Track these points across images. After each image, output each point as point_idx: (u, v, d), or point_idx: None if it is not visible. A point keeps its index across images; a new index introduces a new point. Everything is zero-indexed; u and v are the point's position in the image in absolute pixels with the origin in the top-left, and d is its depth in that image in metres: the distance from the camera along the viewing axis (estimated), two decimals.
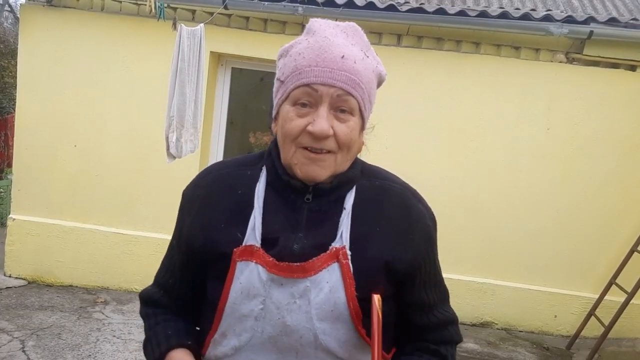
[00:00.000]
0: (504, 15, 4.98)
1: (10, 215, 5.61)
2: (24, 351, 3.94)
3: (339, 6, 5.00)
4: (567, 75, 5.17)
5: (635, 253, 4.94)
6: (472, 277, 5.35)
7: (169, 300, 1.21)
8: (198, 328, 1.20)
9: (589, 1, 5.86)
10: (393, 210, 1.11)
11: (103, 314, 4.81)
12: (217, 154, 5.58)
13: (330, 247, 1.05)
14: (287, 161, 1.08)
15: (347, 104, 1.03)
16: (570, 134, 5.19)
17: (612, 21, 5.01)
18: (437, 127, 5.28)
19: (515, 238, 5.28)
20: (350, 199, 1.10)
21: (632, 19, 5.06)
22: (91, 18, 5.37)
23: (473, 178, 5.29)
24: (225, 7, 5.05)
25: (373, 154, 4.83)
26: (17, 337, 4.15)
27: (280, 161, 1.10)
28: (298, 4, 5.00)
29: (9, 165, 7.95)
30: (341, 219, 1.08)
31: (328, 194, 1.09)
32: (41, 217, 5.53)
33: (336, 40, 1.04)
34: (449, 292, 1.23)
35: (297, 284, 1.04)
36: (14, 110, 6.28)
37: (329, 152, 1.05)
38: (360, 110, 1.06)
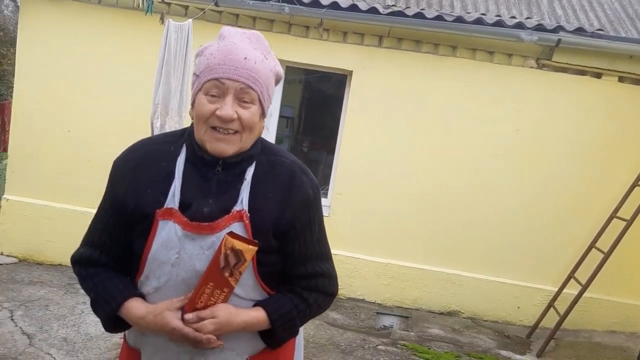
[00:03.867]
0: (479, 21, 5.28)
1: (4, 196, 5.87)
2: (12, 319, 4.20)
3: (323, 7, 5.28)
4: (537, 80, 5.49)
5: (594, 249, 5.24)
6: (440, 268, 5.65)
7: (106, 258, 1.43)
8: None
9: (563, 11, 6.18)
10: (282, 180, 1.40)
11: None
12: None
13: (233, 210, 1.33)
14: (199, 138, 1.35)
15: (249, 95, 1.31)
16: (537, 135, 5.50)
17: (579, 31, 5.32)
18: (412, 125, 5.58)
19: (482, 232, 5.59)
20: (250, 171, 1.38)
21: (598, 29, 5.38)
22: (88, 10, 5.63)
23: (442, 174, 5.60)
24: (216, 4, 5.33)
25: (352, 147, 5.21)
26: (6, 308, 4.42)
27: (196, 140, 1.37)
28: (284, 4, 5.28)
29: (5, 149, 8.20)
30: (242, 187, 1.36)
31: (233, 167, 1.36)
32: (33, 199, 5.79)
33: (241, 45, 1.32)
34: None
35: (205, 239, 1.32)
36: (12, 97, 6.53)
37: (235, 132, 1.32)
38: (259, 100, 1.34)
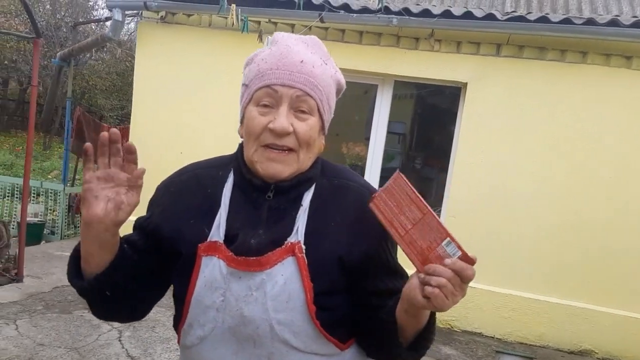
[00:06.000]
0: (614, 22, 4.68)
1: None
2: (119, 340, 4.21)
3: (434, 16, 4.94)
4: None
5: None
6: (571, 301, 5.00)
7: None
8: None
9: None
10: (348, 207, 1.15)
11: None
12: None
13: (286, 242, 1.10)
14: (249, 159, 1.14)
15: (306, 104, 1.10)
16: None
17: None
18: (536, 140, 5.03)
19: (622, 262, 4.88)
20: (308, 197, 1.15)
21: None
22: (199, 33, 5.73)
23: (574, 194, 4.97)
24: (321, 20, 5.18)
25: (467, 165, 4.75)
26: (116, 328, 4.44)
27: (244, 162, 1.16)
28: (392, 15, 5.00)
29: None
30: (298, 215, 1.13)
31: (288, 192, 1.14)
32: None
33: (296, 48, 1.12)
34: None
35: (253, 277, 1.09)
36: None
37: (290, 150, 1.11)
38: (319, 110, 1.13)
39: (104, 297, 1.12)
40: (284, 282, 1.08)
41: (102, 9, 19.61)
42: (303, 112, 1.10)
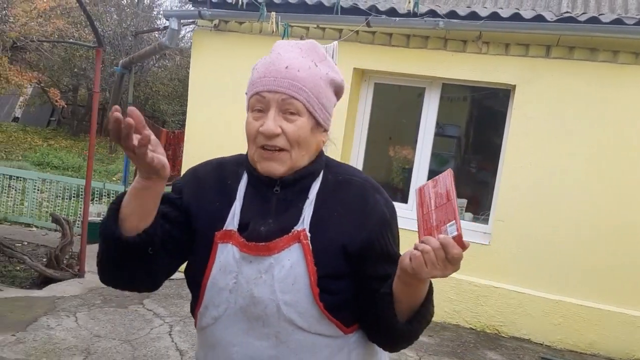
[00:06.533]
0: None
1: None
2: (170, 334, 4.41)
3: (481, 18, 4.91)
4: None
5: None
6: (624, 309, 4.83)
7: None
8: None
9: None
10: (351, 199, 1.26)
11: None
12: (356, 166, 5.74)
13: (293, 230, 1.21)
14: (251, 159, 1.26)
15: (293, 106, 1.19)
16: None
17: None
18: (587, 143, 4.91)
19: None
20: (314, 190, 1.26)
21: None
22: (250, 40, 5.91)
23: (626, 199, 4.82)
24: (368, 25, 5.24)
25: (516, 169, 4.69)
26: (167, 322, 4.66)
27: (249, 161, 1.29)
28: (439, 18, 5.01)
29: (178, 175, 8.96)
30: (305, 206, 1.24)
31: (292, 185, 1.25)
32: None
33: (286, 55, 1.22)
34: None
35: (262, 261, 1.20)
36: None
37: (281, 150, 1.20)
38: (308, 111, 1.21)
39: (141, 256, 1.17)
40: (290, 266, 1.19)
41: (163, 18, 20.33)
42: (292, 113, 1.19)
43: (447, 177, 1.14)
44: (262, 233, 1.21)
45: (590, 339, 4.92)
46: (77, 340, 4.10)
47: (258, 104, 1.21)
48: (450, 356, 4.60)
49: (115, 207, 1.17)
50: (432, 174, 5.63)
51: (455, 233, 1.05)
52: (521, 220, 5.11)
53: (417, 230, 1.15)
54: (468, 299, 5.24)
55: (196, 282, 1.27)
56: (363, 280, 1.25)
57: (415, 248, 1.09)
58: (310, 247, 1.20)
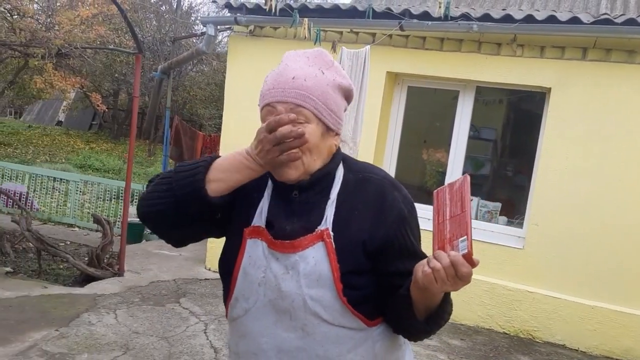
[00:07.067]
0: None
1: None
2: (205, 332, 4.52)
3: (515, 21, 4.89)
4: None
5: None
6: None
7: None
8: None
9: None
10: (370, 197, 1.32)
11: None
12: (389, 169, 5.78)
13: (316, 230, 1.28)
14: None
15: (301, 114, 1.24)
16: None
17: None
18: (626, 146, 4.83)
19: None
20: (335, 190, 1.32)
21: None
22: (284, 45, 5.98)
23: None
24: (401, 28, 5.27)
25: (549, 172, 4.64)
26: (202, 321, 4.78)
27: None
28: (473, 22, 5.00)
29: None
30: (327, 206, 1.30)
31: (311, 188, 1.31)
32: None
33: (293, 65, 1.28)
34: None
35: (288, 258, 1.28)
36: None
37: None
38: (317, 117, 1.26)
39: (201, 216, 1.27)
40: (314, 263, 1.26)
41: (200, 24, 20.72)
42: (300, 122, 1.23)
43: (463, 184, 1.15)
44: (287, 231, 1.29)
45: (627, 345, 4.83)
46: (116, 336, 4.25)
47: (269, 115, 1.25)
48: None
49: (206, 165, 1.24)
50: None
51: (466, 251, 1.07)
52: (556, 224, 5.06)
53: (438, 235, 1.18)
54: (502, 304, 5.20)
55: (228, 272, 1.36)
56: (384, 276, 1.31)
57: (427, 262, 1.13)
58: (333, 245, 1.26)
